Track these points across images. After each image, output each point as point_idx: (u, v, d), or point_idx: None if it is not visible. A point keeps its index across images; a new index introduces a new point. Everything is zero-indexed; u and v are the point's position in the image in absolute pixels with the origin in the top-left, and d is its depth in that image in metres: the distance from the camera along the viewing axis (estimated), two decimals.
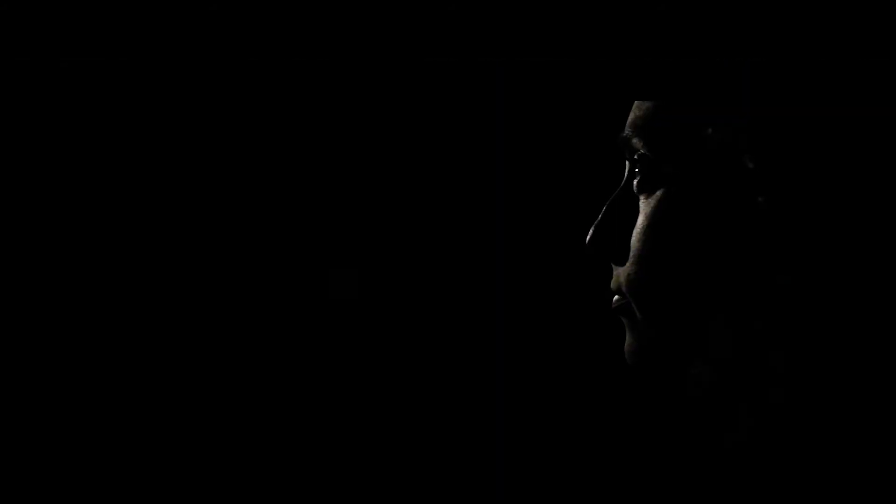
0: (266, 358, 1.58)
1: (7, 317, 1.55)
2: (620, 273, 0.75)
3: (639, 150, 0.75)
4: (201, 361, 1.56)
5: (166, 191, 1.57)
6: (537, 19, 1.51)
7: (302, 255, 1.58)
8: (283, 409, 1.56)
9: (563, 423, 1.49)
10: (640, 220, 0.74)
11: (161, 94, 1.56)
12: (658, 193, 0.73)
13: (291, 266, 1.58)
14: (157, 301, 1.57)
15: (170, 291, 1.57)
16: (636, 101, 0.77)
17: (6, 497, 1.52)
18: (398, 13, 1.52)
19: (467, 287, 1.57)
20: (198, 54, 1.54)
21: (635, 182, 0.75)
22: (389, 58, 1.54)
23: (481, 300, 1.56)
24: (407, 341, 1.57)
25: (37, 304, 1.55)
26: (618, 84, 1.53)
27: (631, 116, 0.77)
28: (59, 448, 1.54)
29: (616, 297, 0.76)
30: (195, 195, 1.58)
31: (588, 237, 0.77)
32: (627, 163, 0.77)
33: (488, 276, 1.55)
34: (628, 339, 0.76)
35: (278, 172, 1.59)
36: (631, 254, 0.74)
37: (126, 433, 1.54)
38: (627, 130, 0.76)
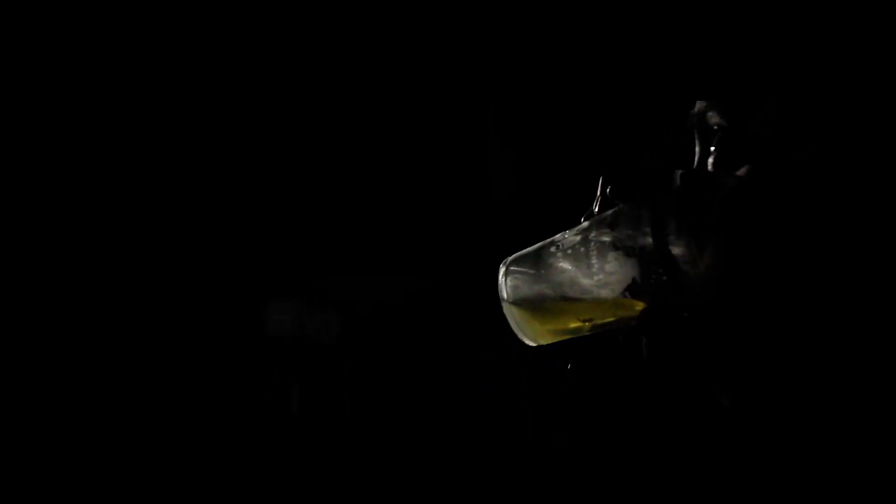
0: (267, 359, 1.58)
1: (6, 315, 1.55)
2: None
3: (717, 123, 0.70)
4: (201, 362, 1.56)
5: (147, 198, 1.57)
6: (537, 19, 1.51)
7: (300, 256, 1.59)
8: (284, 411, 1.57)
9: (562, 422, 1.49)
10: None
11: (136, 104, 1.56)
12: (743, 170, 0.69)
13: (289, 268, 1.58)
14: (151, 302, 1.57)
15: (166, 292, 1.57)
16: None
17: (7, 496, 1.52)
18: (399, 12, 1.52)
19: (465, 288, 1.57)
20: (193, 56, 1.54)
21: (710, 160, 0.71)
22: (390, 57, 1.54)
23: (480, 300, 1.56)
24: (406, 343, 1.57)
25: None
26: (617, 85, 1.53)
27: (698, 105, 0.72)
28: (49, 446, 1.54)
29: None
30: (191, 201, 1.58)
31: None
32: (697, 143, 0.73)
33: (487, 277, 1.56)
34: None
35: (273, 176, 1.59)
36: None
37: (124, 433, 1.54)
38: (699, 105, 0.71)
